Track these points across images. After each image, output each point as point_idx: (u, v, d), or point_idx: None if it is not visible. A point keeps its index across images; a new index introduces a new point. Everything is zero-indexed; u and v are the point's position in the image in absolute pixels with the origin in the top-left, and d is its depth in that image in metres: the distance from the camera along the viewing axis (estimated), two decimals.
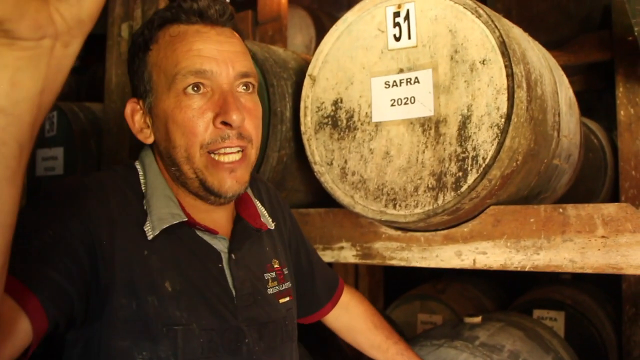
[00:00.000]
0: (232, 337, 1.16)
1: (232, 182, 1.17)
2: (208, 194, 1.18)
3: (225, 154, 1.16)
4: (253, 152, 1.21)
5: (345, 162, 1.68)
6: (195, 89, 1.13)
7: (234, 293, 1.19)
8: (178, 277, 1.13)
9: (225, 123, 1.14)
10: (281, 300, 1.31)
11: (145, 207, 1.15)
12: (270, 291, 1.28)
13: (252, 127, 1.20)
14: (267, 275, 1.30)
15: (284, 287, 1.33)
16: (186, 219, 1.16)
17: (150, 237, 1.12)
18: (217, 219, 1.25)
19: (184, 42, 1.14)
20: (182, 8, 1.16)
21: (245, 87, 1.19)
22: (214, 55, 1.15)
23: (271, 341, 1.24)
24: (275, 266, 1.34)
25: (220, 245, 1.21)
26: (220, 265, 1.20)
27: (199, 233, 1.19)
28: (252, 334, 1.20)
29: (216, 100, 1.14)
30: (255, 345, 1.20)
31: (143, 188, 1.18)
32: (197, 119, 1.13)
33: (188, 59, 1.13)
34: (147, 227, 1.13)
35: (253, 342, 1.19)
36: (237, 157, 1.17)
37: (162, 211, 1.15)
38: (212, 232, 1.20)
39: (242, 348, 1.17)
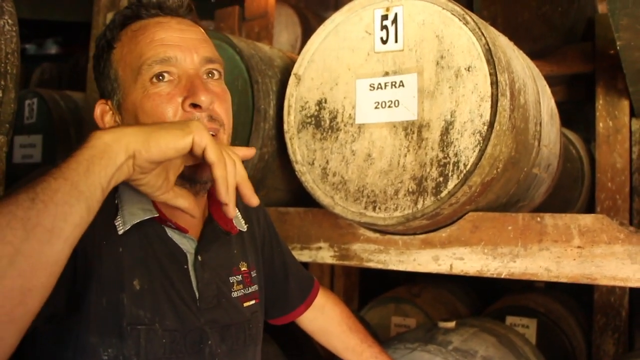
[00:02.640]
0: (195, 339, 1.16)
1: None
2: (183, 181, 1.16)
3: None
4: (225, 137, 1.21)
5: (327, 162, 1.68)
6: (161, 77, 1.14)
7: (197, 295, 1.19)
8: (145, 276, 1.12)
9: (194, 105, 1.14)
10: (246, 304, 1.30)
11: (116, 201, 1.14)
12: (234, 294, 1.28)
13: (222, 110, 1.20)
14: (232, 279, 1.29)
15: (249, 291, 1.33)
16: (157, 215, 1.15)
17: (120, 232, 1.11)
18: (188, 218, 1.23)
19: (146, 34, 1.16)
20: (141, 3, 1.18)
21: (210, 75, 1.20)
22: (177, 42, 1.16)
23: (233, 344, 1.24)
24: (242, 269, 1.33)
25: (188, 246, 1.21)
26: (185, 267, 1.19)
27: (168, 231, 1.18)
28: (215, 336, 1.20)
29: (183, 85, 1.15)
30: (217, 348, 1.20)
31: None
32: (166, 105, 1.13)
33: (152, 49, 1.14)
34: (118, 222, 1.12)
35: (215, 344, 1.19)
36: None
37: (134, 206, 1.14)
38: (182, 231, 1.19)
39: (205, 350, 1.17)
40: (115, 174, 0.91)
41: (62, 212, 0.82)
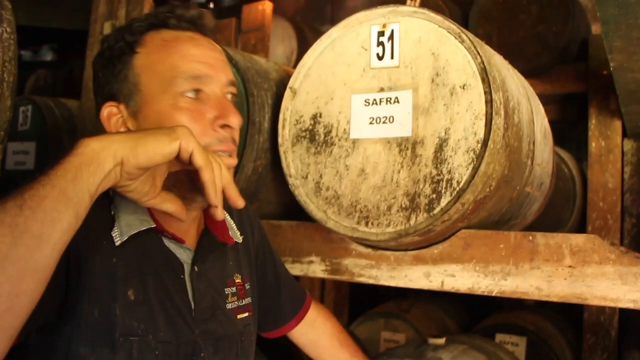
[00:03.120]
0: (188, 351, 1.16)
1: None
2: (196, 195, 1.17)
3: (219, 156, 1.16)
4: (236, 159, 1.24)
5: (321, 176, 1.68)
6: (194, 93, 1.16)
7: (192, 306, 1.18)
8: (140, 286, 1.12)
9: (224, 125, 1.16)
10: (239, 316, 1.30)
11: (112, 212, 1.14)
12: (229, 306, 1.28)
13: (237, 133, 1.23)
14: (227, 290, 1.29)
15: (243, 303, 1.33)
16: (154, 225, 1.15)
17: (118, 244, 1.11)
18: (185, 229, 1.23)
19: (179, 47, 1.17)
20: (175, 14, 1.19)
21: (231, 96, 1.22)
22: (209, 61, 1.18)
23: (226, 357, 1.24)
24: (237, 281, 1.33)
25: (185, 256, 1.20)
26: (182, 277, 1.19)
27: (165, 241, 1.18)
28: (208, 348, 1.19)
29: (213, 104, 1.17)
30: None
31: (110, 192, 1.16)
32: (196, 122, 1.14)
33: (186, 64, 1.15)
34: (115, 233, 1.12)
35: (208, 356, 1.19)
36: (228, 159, 1.20)
37: (130, 217, 1.14)
38: (179, 241, 1.19)
39: None
40: (103, 180, 0.92)
41: (50, 219, 0.84)
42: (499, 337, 3.15)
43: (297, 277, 1.86)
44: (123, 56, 1.20)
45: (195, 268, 1.21)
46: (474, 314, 3.99)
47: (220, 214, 1.02)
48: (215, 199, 1.00)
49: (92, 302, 1.06)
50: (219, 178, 1.01)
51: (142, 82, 1.17)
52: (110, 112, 1.20)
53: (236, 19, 3.41)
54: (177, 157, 0.99)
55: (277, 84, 1.98)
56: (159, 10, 1.21)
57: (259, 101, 1.84)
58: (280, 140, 1.75)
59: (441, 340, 2.10)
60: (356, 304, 4.04)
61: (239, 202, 1.05)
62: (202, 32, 1.22)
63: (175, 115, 1.14)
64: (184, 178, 1.13)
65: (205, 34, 1.23)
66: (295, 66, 1.78)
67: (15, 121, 2.74)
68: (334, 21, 1.68)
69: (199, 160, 0.98)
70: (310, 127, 1.71)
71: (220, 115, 1.16)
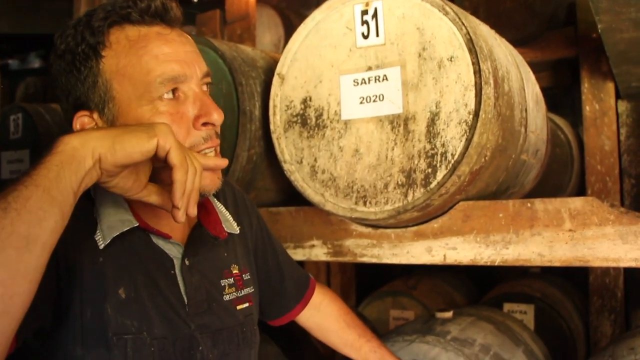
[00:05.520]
0: (185, 346, 1.15)
1: (214, 180, 1.16)
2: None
3: (205, 154, 1.14)
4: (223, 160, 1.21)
5: (315, 160, 1.68)
6: (172, 95, 1.11)
7: (186, 300, 1.17)
8: (131, 284, 1.11)
9: (206, 123, 1.13)
10: (239, 307, 1.29)
11: (94, 215, 1.13)
12: (226, 298, 1.27)
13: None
14: (223, 282, 1.28)
15: (242, 293, 1.32)
16: (137, 224, 1.13)
17: (101, 247, 1.10)
18: (174, 225, 1.21)
19: (149, 47, 1.10)
20: (138, 8, 1.11)
21: (206, 87, 1.18)
22: (182, 58, 1.12)
23: (226, 348, 1.23)
24: (234, 272, 1.32)
25: (175, 251, 1.19)
26: (172, 272, 1.18)
27: (153, 238, 1.17)
28: (206, 341, 1.18)
29: (192, 103, 1.13)
30: (209, 353, 1.18)
31: (92, 193, 1.15)
32: (179, 124, 1.11)
33: (160, 65, 1.09)
34: (98, 237, 1.10)
35: (207, 349, 1.18)
36: (213, 154, 1.17)
37: (112, 219, 1.12)
38: (165, 237, 1.18)
39: (196, 356, 1.16)
40: (85, 177, 0.92)
41: (37, 219, 0.83)
42: (507, 306, 3.17)
43: (301, 263, 1.86)
44: (88, 61, 1.11)
45: (186, 262, 1.19)
46: (481, 285, 4.01)
47: (180, 216, 0.99)
48: (180, 200, 0.98)
49: (84, 304, 1.06)
50: (190, 181, 0.99)
51: (114, 88, 1.10)
52: (83, 123, 1.13)
53: (220, 10, 3.39)
54: (155, 155, 0.98)
55: (265, 72, 1.97)
56: (118, 3, 1.12)
57: (248, 90, 1.84)
58: (272, 127, 1.74)
59: (449, 314, 2.12)
60: (363, 285, 4.06)
61: (192, 210, 1.02)
62: (168, 24, 1.14)
63: (156, 120, 1.09)
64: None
65: (172, 25, 1.15)
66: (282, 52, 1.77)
67: (7, 130, 2.74)
68: (319, 5, 1.68)
69: (174, 159, 0.97)
70: (301, 112, 1.71)
71: (202, 114, 1.13)
